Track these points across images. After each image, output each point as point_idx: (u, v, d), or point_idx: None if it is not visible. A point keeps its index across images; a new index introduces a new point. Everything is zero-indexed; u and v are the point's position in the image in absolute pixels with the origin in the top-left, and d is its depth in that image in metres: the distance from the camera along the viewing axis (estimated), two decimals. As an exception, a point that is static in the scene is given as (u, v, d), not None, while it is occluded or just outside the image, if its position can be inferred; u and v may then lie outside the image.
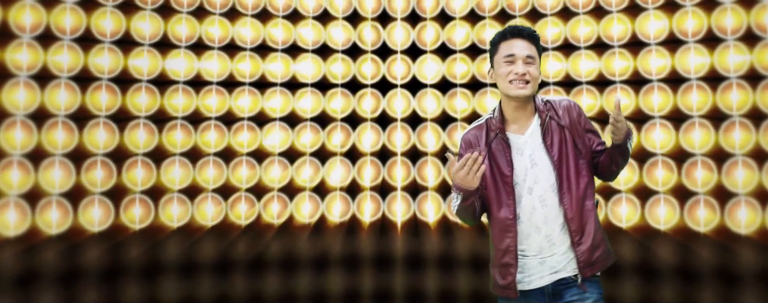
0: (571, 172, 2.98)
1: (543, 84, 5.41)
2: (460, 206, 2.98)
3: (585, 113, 3.09)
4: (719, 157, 5.08)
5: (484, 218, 3.18)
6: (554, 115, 3.02)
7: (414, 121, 5.53)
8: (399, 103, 5.54)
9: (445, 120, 5.50)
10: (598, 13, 5.38)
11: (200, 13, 5.45)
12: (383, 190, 5.47)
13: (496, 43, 3.06)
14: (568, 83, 5.41)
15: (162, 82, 5.36)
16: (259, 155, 5.46)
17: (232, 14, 5.49)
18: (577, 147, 3.01)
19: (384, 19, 5.58)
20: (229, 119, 5.46)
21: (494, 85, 5.41)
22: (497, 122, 3.05)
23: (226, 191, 5.39)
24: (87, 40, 5.21)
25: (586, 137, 3.05)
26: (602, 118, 5.21)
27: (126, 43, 5.30)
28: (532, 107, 3.06)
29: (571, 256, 2.98)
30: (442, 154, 5.48)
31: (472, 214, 3.05)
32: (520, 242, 3.00)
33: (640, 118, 5.24)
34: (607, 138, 3.06)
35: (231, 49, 5.48)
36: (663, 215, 5.14)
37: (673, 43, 5.24)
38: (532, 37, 3.03)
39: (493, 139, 3.04)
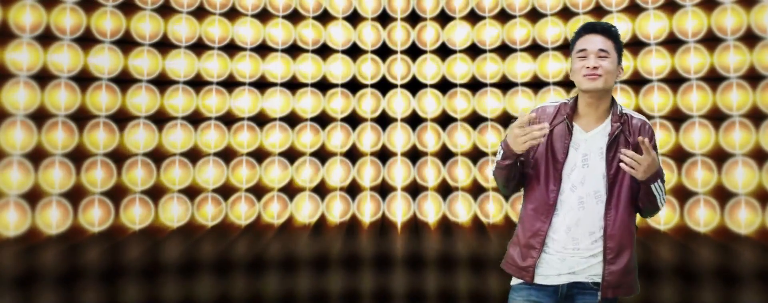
0: (623, 190, 2.93)
1: (542, 84, 5.41)
2: (498, 164, 2.96)
3: (656, 139, 3.00)
4: (719, 157, 5.08)
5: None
6: (626, 129, 2.96)
7: (414, 121, 5.53)
8: (399, 103, 5.54)
9: (445, 120, 5.50)
10: (598, 13, 5.38)
11: (200, 13, 5.45)
12: (383, 190, 5.47)
13: (573, 41, 3.03)
14: (569, 83, 5.41)
15: (162, 82, 5.36)
16: (259, 155, 5.46)
17: (232, 14, 5.49)
18: None
19: (384, 19, 5.58)
20: (229, 119, 5.46)
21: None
22: (569, 109, 3.01)
23: (226, 191, 5.39)
24: (87, 40, 5.21)
25: None
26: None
27: (126, 43, 5.30)
28: (606, 109, 2.99)
29: (592, 262, 2.96)
30: (441, 154, 5.49)
31: (505, 178, 3.00)
32: (550, 231, 2.96)
33: (640, 118, 5.24)
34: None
35: (231, 49, 5.48)
36: (663, 215, 5.14)
37: (673, 43, 5.24)
38: (607, 32, 2.98)
39: (559, 122, 2.99)
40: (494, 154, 5.61)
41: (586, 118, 3.00)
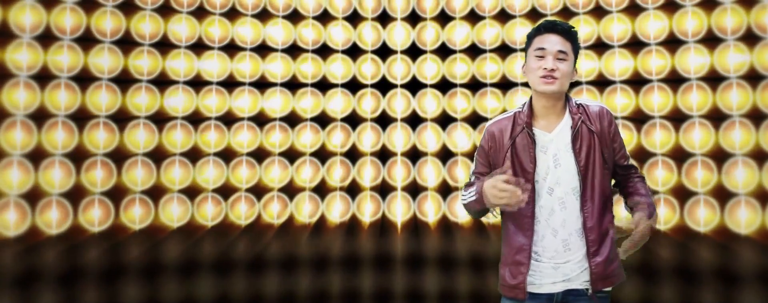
0: (596, 179, 2.92)
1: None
2: (471, 205, 2.96)
3: (615, 122, 3.02)
4: (719, 157, 5.08)
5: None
6: (586, 119, 2.95)
7: (414, 121, 5.53)
8: (399, 103, 5.54)
9: (445, 120, 5.50)
10: (598, 13, 5.38)
11: (200, 13, 5.45)
12: (383, 190, 5.47)
13: (530, 37, 3.00)
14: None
15: (162, 82, 5.36)
16: (259, 155, 5.46)
17: (232, 14, 5.49)
18: (603, 156, 2.95)
19: (384, 19, 5.58)
20: (229, 119, 5.46)
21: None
22: (525, 117, 2.98)
23: (226, 191, 5.39)
24: (87, 40, 5.21)
25: (612, 147, 2.99)
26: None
27: (126, 43, 5.30)
28: (563, 106, 2.98)
29: (585, 265, 2.94)
30: (441, 154, 5.49)
31: (478, 215, 3.06)
32: (535, 243, 2.94)
33: (640, 118, 5.24)
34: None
35: (231, 49, 5.48)
36: (663, 215, 5.14)
37: (673, 43, 5.24)
38: (567, 33, 2.95)
39: (519, 133, 2.97)
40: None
41: (545, 119, 2.98)
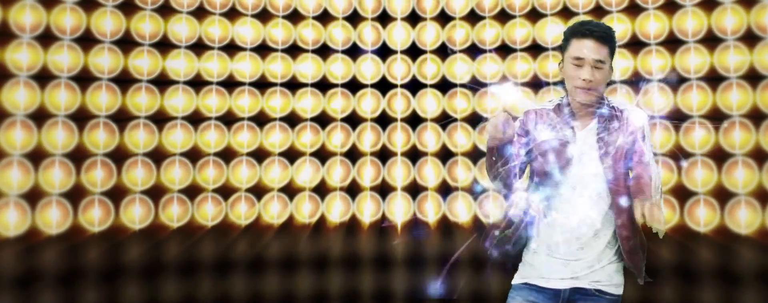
0: (621, 186, 2.91)
1: (542, 84, 5.40)
2: (487, 158, 2.93)
3: (649, 127, 2.99)
4: (719, 157, 5.08)
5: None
6: (618, 123, 2.94)
7: (414, 121, 5.53)
8: (399, 103, 5.54)
9: (444, 120, 5.50)
10: (598, 13, 5.38)
11: (200, 13, 5.44)
12: (383, 190, 5.47)
13: (567, 38, 2.95)
14: (568, 83, 5.39)
15: (162, 82, 5.36)
16: (259, 155, 5.46)
17: (232, 14, 5.49)
18: (629, 159, 2.93)
19: (384, 19, 5.57)
20: (229, 119, 5.46)
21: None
22: (568, 111, 2.98)
23: (226, 191, 5.39)
24: (87, 40, 5.21)
25: (634, 149, 2.95)
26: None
27: (126, 43, 5.30)
28: (596, 104, 2.98)
29: (597, 267, 2.96)
30: (441, 154, 5.48)
31: (495, 174, 2.95)
32: (551, 237, 2.95)
33: (640, 118, 5.24)
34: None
35: (231, 49, 5.48)
36: (663, 215, 5.13)
37: (673, 43, 5.24)
38: (605, 39, 2.89)
39: (561, 124, 2.96)
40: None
41: (581, 120, 2.98)
